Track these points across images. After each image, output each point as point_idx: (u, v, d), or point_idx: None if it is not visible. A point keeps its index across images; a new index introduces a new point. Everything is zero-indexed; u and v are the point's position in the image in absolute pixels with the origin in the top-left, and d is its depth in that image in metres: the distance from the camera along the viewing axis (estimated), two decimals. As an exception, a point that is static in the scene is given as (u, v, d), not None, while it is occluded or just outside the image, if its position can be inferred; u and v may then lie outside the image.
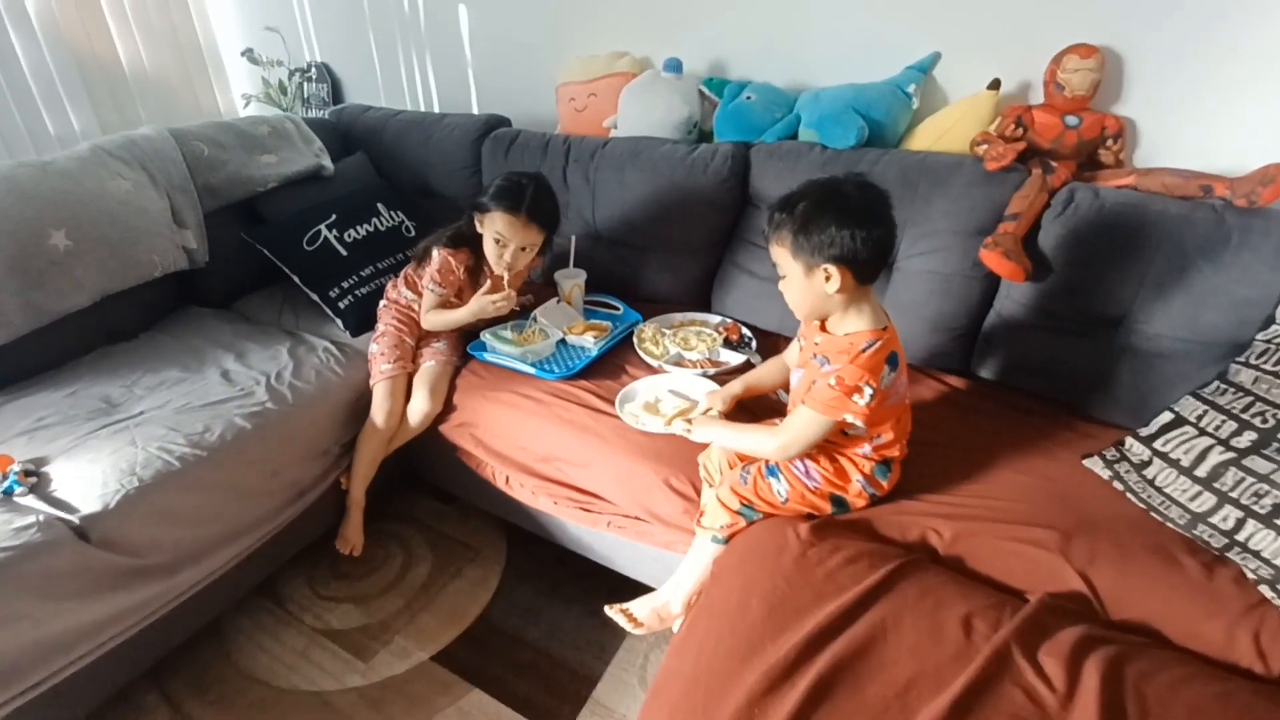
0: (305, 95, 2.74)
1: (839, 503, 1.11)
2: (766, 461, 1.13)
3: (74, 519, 1.14)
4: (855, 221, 0.96)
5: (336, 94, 2.72)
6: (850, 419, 1.01)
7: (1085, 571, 1.00)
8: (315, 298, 1.73)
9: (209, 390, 1.45)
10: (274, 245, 1.77)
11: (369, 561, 1.68)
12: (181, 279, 1.80)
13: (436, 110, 2.45)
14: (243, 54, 2.74)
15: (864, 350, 0.99)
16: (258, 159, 1.88)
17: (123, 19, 2.49)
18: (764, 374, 1.32)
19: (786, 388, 1.42)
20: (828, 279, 0.99)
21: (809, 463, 1.10)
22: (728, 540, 1.13)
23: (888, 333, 1.03)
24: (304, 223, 1.80)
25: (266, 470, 1.40)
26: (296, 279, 1.74)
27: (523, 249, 1.51)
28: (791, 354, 1.29)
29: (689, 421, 1.23)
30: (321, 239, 1.78)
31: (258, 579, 1.53)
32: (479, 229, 1.54)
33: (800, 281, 1.01)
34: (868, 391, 0.99)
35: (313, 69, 2.69)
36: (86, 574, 1.14)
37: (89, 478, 1.21)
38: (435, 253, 1.58)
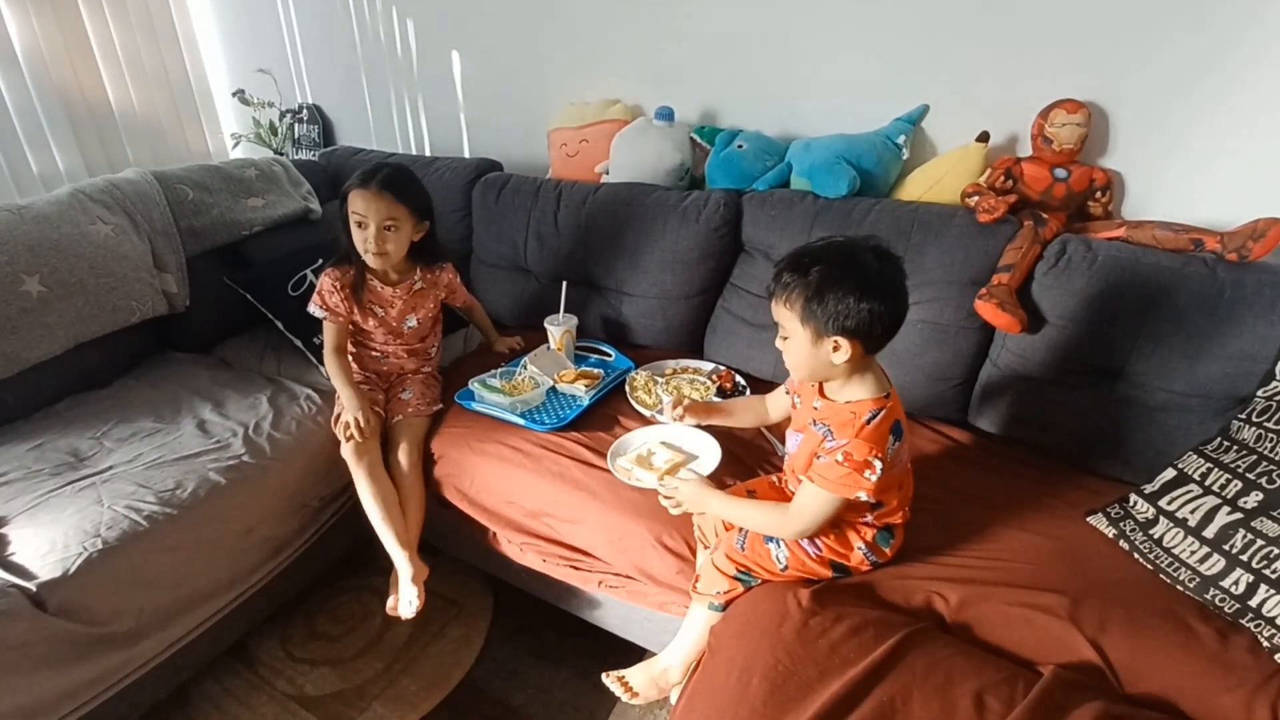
0: (295, 136, 2.73)
1: (840, 569, 1.07)
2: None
3: (30, 585, 1.08)
4: (874, 295, 0.90)
5: (327, 136, 2.72)
6: (863, 496, 0.97)
7: (1097, 640, 0.96)
8: (299, 344, 1.69)
9: (183, 443, 1.39)
10: (257, 290, 1.73)
11: (347, 620, 1.60)
12: (160, 324, 1.75)
13: (428, 153, 2.45)
14: (234, 94, 2.74)
15: (867, 422, 0.96)
16: (244, 202, 1.85)
17: (112, 58, 2.47)
18: (737, 408, 1.30)
19: (780, 436, 1.39)
20: (836, 350, 0.95)
21: (810, 529, 1.05)
22: (725, 607, 1.08)
23: (890, 400, 0.99)
24: (289, 267, 1.76)
25: (241, 527, 1.33)
26: (280, 325, 1.70)
27: (386, 227, 1.40)
28: (776, 403, 1.24)
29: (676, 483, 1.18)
30: (307, 284, 1.74)
31: (229, 641, 1.44)
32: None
33: (804, 347, 0.97)
34: (877, 466, 0.95)
35: (304, 110, 2.69)
36: (39, 645, 1.07)
37: (49, 540, 1.14)
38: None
